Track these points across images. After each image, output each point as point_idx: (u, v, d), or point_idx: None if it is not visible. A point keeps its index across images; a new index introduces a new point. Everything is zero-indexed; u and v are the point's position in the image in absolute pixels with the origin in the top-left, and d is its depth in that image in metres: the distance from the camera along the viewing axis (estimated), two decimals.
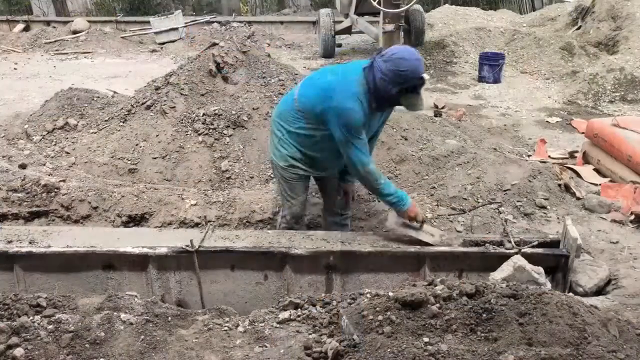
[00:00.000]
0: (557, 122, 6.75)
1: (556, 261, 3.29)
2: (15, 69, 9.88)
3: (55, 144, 4.88)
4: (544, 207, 4.12)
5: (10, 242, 3.35)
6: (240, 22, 11.23)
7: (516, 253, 3.19)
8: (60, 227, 3.96)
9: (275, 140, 3.43)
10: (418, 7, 9.99)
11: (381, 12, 8.07)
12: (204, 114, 4.67)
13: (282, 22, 13.25)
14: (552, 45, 9.08)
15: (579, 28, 9.85)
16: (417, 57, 3.06)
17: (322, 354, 2.17)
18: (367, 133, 3.21)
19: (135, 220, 4.12)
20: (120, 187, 4.31)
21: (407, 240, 3.38)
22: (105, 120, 5.00)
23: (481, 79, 8.59)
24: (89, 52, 11.14)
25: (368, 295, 2.73)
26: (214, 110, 4.68)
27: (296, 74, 5.27)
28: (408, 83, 3.00)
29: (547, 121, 6.78)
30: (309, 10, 15.71)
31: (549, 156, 5.35)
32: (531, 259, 3.14)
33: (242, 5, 16.59)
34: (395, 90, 3.00)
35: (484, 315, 2.14)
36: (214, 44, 5.22)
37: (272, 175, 4.47)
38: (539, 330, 2.03)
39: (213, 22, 12.43)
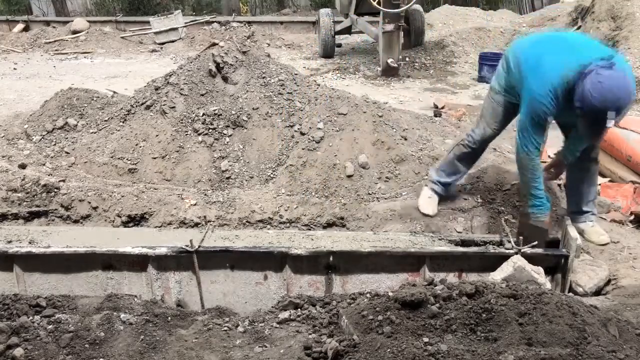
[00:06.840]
0: None
1: (556, 261, 3.29)
2: (15, 69, 9.88)
3: (55, 144, 4.87)
4: None
5: (10, 242, 3.35)
6: (240, 22, 11.18)
7: (516, 253, 3.19)
8: (60, 227, 3.96)
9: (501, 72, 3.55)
10: (418, 7, 9.99)
11: (381, 12, 8.08)
12: (203, 114, 4.66)
13: (281, 22, 13.24)
14: None
15: (578, 28, 9.85)
16: (619, 96, 2.81)
17: (322, 354, 2.17)
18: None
19: (135, 220, 4.12)
20: (120, 187, 4.31)
21: (406, 240, 3.40)
22: (105, 120, 4.99)
23: (481, 79, 8.58)
24: (89, 52, 11.14)
25: (368, 295, 2.74)
26: (214, 110, 4.68)
27: (296, 74, 5.25)
28: (593, 114, 2.88)
29: None
30: (308, 10, 15.70)
31: (549, 156, 5.33)
32: (531, 259, 3.15)
33: (242, 5, 16.59)
34: (579, 110, 2.92)
35: (484, 315, 2.14)
36: (214, 44, 5.21)
37: (272, 175, 4.46)
38: (539, 330, 2.03)
39: (213, 22, 12.43)
